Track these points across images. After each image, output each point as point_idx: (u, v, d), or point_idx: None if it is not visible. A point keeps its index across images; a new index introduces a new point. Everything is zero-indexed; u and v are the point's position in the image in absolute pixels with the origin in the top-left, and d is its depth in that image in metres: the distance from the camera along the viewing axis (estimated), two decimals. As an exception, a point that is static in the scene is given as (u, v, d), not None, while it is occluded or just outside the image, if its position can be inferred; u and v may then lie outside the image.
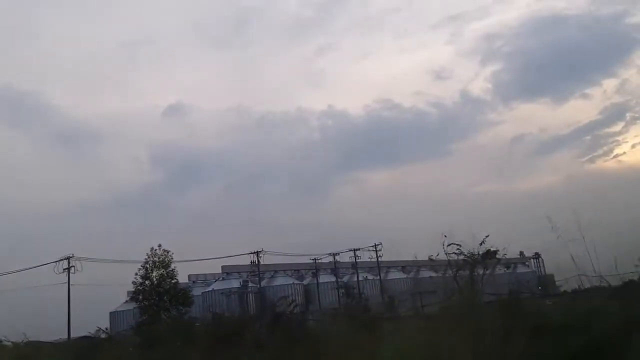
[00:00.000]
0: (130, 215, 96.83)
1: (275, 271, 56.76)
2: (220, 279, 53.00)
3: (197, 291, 54.00)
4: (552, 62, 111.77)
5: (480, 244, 11.73)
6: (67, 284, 40.22)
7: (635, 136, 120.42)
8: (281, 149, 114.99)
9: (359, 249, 54.76)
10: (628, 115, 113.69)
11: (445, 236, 11.19)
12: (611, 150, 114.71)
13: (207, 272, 57.72)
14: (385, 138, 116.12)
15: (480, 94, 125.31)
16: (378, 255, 54.41)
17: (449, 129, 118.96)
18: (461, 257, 11.28)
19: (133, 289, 35.01)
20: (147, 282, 34.17)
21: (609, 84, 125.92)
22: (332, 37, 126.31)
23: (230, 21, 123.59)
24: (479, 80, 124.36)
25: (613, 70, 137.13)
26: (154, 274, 34.30)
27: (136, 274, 34.88)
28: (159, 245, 35.27)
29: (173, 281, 34.76)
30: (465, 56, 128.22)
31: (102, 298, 52.13)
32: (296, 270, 59.85)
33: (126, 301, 63.58)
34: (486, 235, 11.89)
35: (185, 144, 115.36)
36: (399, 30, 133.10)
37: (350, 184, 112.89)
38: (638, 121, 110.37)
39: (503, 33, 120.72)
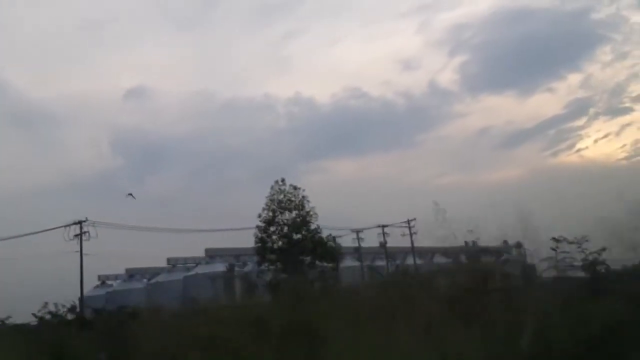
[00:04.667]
0: (88, 202, 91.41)
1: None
2: (204, 262, 49.07)
3: (177, 275, 50.25)
4: (519, 55, 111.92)
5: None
6: (79, 253, 36.75)
7: (598, 131, 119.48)
8: (246, 135, 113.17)
9: (387, 226, 50.15)
10: (591, 110, 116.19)
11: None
12: (574, 145, 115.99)
13: (187, 256, 53.83)
14: (352, 127, 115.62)
15: (448, 85, 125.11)
16: (412, 232, 49.76)
17: (416, 120, 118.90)
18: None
19: (255, 238, 27.55)
20: (272, 228, 27.13)
21: (574, 78, 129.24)
22: (300, 22, 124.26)
23: (196, 2, 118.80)
24: (447, 71, 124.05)
25: (578, 65, 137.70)
26: (283, 217, 27.17)
27: (259, 219, 26.97)
28: (283, 180, 27.63)
29: (312, 227, 27.28)
30: (434, 46, 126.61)
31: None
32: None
33: (96, 286, 59.65)
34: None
35: (147, 128, 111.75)
36: (369, 17, 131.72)
37: (316, 173, 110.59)
38: (601, 116, 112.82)
39: (472, 24, 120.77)
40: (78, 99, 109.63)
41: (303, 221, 26.81)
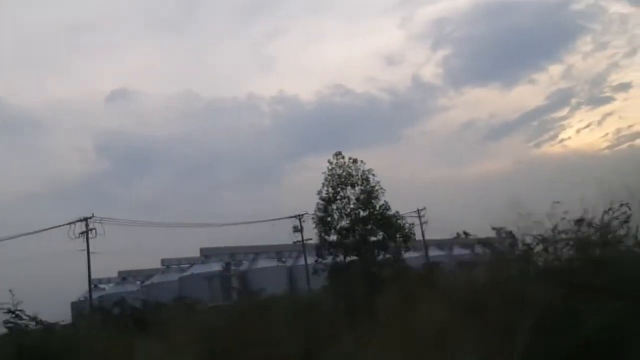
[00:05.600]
0: (73, 207, 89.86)
1: (257, 253, 52.58)
2: (200, 262, 48.34)
3: (173, 276, 49.45)
4: (501, 48, 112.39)
5: None
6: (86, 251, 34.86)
7: (580, 121, 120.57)
8: (232, 135, 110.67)
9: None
10: (573, 100, 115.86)
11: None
12: (557, 135, 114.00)
13: (181, 257, 53.01)
14: (337, 124, 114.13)
15: (431, 79, 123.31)
16: (422, 222, 48.48)
17: (400, 115, 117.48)
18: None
19: (314, 218, 24.45)
20: (333, 206, 23.78)
21: (555, 69, 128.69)
22: (282, 20, 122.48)
23: (177, 3, 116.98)
24: (430, 66, 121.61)
25: (559, 56, 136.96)
26: (345, 194, 23.79)
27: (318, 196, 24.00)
28: (339, 153, 24.71)
29: (379, 204, 23.89)
30: (416, 41, 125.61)
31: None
32: (277, 252, 55.96)
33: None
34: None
35: (131, 132, 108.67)
36: (350, 14, 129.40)
37: (302, 170, 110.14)
38: (582, 106, 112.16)
39: (454, 18, 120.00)
40: (61, 104, 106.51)
41: (369, 197, 23.80)
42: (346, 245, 23.36)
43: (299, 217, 41.59)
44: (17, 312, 13.37)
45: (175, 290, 44.99)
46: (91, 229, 35.13)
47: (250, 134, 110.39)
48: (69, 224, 35.51)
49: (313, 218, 24.80)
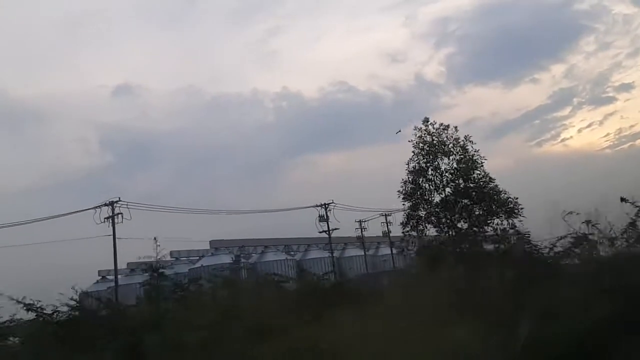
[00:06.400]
0: (76, 201, 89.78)
1: (266, 246, 52.50)
2: (210, 254, 48.25)
3: (182, 268, 49.34)
4: (504, 47, 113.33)
5: None
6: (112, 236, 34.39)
7: (582, 120, 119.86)
8: (235, 130, 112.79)
9: (390, 214, 49.20)
10: (575, 100, 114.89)
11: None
12: (558, 134, 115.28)
13: (190, 249, 52.96)
14: (340, 120, 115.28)
15: (434, 77, 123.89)
16: None
17: (403, 112, 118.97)
18: None
19: (401, 191, 21.69)
20: (422, 181, 21.24)
21: (558, 69, 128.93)
22: (286, 17, 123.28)
23: None
24: (433, 64, 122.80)
25: (561, 56, 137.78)
26: (435, 164, 21.29)
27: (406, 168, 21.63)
28: (427, 119, 22.14)
29: (478, 174, 21.20)
30: (420, 39, 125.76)
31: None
32: (286, 246, 55.95)
33: (97, 281, 58.60)
34: None
35: (135, 126, 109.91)
36: (354, 11, 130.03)
37: (305, 166, 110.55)
38: (584, 106, 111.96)
39: (457, 16, 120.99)
40: (64, 97, 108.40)
41: (467, 167, 21.16)
42: (441, 221, 20.75)
43: (325, 205, 41.25)
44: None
45: (184, 282, 44.97)
46: (117, 214, 34.02)
47: (254, 129, 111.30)
48: (94, 207, 34.42)
49: (400, 190, 21.73)
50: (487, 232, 20.14)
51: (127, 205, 34.78)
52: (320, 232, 44.61)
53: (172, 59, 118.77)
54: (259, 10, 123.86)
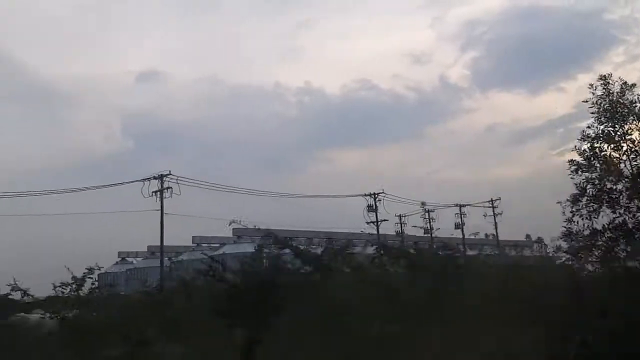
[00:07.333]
0: (94, 184, 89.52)
1: (289, 237, 51.56)
2: (232, 242, 47.58)
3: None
4: (531, 53, 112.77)
5: None
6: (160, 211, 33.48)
7: None
8: (255, 122, 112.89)
9: (465, 205, 45.97)
10: None
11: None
12: (581, 145, 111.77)
13: (210, 235, 52.37)
14: (362, 118, 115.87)
15: (458, 80, 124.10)
16: (495, 213, 45.41)
17: (424, 113, 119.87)
18: None
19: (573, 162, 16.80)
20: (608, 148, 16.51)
21: (585, 79, 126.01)
22: (313, 12, 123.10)
23: None
24: (457, 67, 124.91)
25: (589, 66, 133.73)
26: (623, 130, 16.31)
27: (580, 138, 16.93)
28: (604, 77, 17.23)
29: None
30: (446, 41, 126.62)
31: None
32: (308, 239, 54.99)
33: (116, 263, 58.50)
34: None
35: (157, 112, 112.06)
36: (381, 10, 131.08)
37: (325, 162, 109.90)
38: None
39: (485, 20, 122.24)
40: (90, 80, 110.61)
41: None
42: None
43: (374, 195, 40.04)
44: None
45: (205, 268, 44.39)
46: (167, 188, 33.02)
47: (274, 122, 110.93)
48: (142, 180, 33.43)
49: (570, 162, 17.06)
50: None
51: (176, 180, 33.61)
52: (367, 223, 43.31)
53: (198, 47, 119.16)
54: (287, 4, 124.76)
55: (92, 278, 13.65)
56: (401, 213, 52.09)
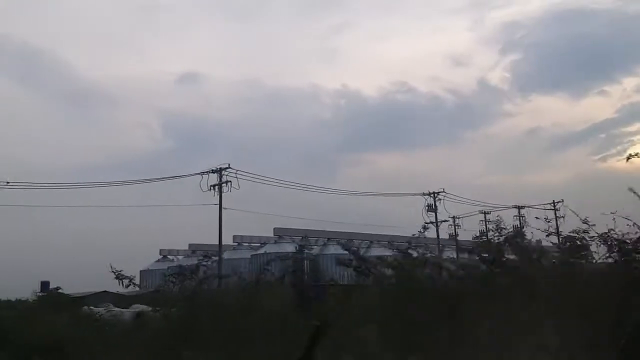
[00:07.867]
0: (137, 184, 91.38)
1: (328, 238, 51.36)
2: (273, 242, 47.66)
3: (245, 253, 49.08)
4: (573, 57, 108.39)
5: None
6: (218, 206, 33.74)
7: None
8: (292, 124, 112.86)
9: (524, 207, 43.21)
10: None
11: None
12: (625, 150, 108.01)
13: (252, 235, 52.66)
14: (399, 121, 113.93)
15: (498, 83, 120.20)
16: (557, 216, 43.99)
17: (463, 117, 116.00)
18: None
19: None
20: None
21: (629, 82, 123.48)
22: (351, 14, 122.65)
23: None
24: (497, 70, 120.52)
25: (634, 69, 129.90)
26: None
27: None
28: None
29: None
30: (486, 44, 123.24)
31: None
32: (348, 240, 54.61)
33: (157, 260, 59.48)
34: None
35: (197, 113, 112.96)
36: (420, 12, 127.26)
37: (360, 165, 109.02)
38: None
39: (525, 23, 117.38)
40: (132, 81, 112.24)
41: None
42: None
43: (434, 194, 39.05)
44: None
45: (245, 268, 44.56)
46: (225, 182, 32.93)
47: (311, 124, 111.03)
48: (201, 173, 33.33)
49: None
50: None
51: (236, 173, 33.45)
52: (427, 223, 42.33)
53: (238, 49, 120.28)
54: (324, 7, 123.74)
55: (205, 266, 12.45)
56: (455, 215, 48.92)
